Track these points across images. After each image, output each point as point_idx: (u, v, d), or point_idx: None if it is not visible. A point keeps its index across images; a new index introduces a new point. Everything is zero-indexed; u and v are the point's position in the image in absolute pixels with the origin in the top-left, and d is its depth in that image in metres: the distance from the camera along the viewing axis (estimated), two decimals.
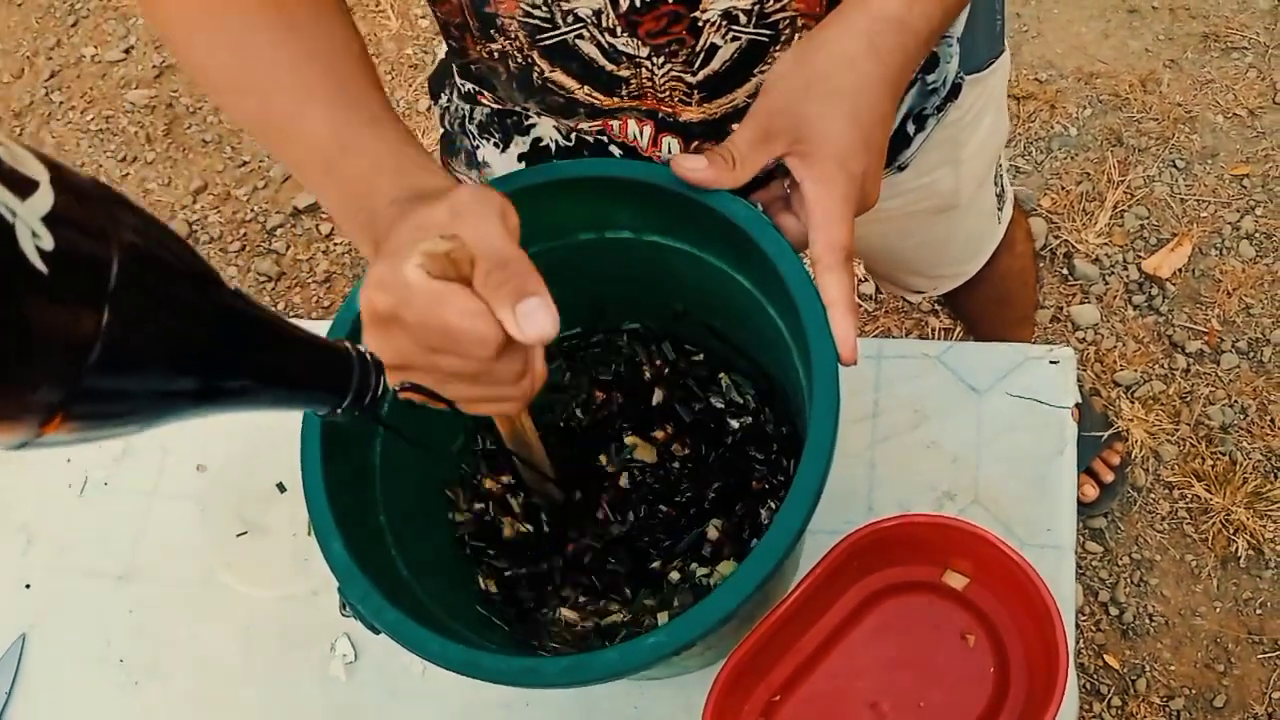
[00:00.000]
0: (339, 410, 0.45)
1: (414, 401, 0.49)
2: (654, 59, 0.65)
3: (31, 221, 0.28)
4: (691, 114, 0.69)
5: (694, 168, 0.56)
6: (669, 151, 0.72)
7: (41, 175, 0.29)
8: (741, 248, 0.58)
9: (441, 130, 0.88)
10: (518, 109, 0.77)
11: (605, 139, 0.75)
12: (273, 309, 0.42)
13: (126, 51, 2.24)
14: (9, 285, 0.27)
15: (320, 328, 0.60)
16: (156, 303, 0.32)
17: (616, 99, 0.69)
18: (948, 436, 0.79)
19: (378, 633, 0.53)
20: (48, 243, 0.28)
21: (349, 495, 0.58)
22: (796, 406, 0.65)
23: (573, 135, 0.76)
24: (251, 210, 2.01)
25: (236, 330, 0.36)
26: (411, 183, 0.53)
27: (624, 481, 0.71)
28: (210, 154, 2.09)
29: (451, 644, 0.51)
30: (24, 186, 0.28)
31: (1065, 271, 1.73)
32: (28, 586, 0.89)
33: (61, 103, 2.20)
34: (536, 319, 0.45)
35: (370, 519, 0.61)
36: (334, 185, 0.55)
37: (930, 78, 0.77)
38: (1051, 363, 0.80)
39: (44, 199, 0.29)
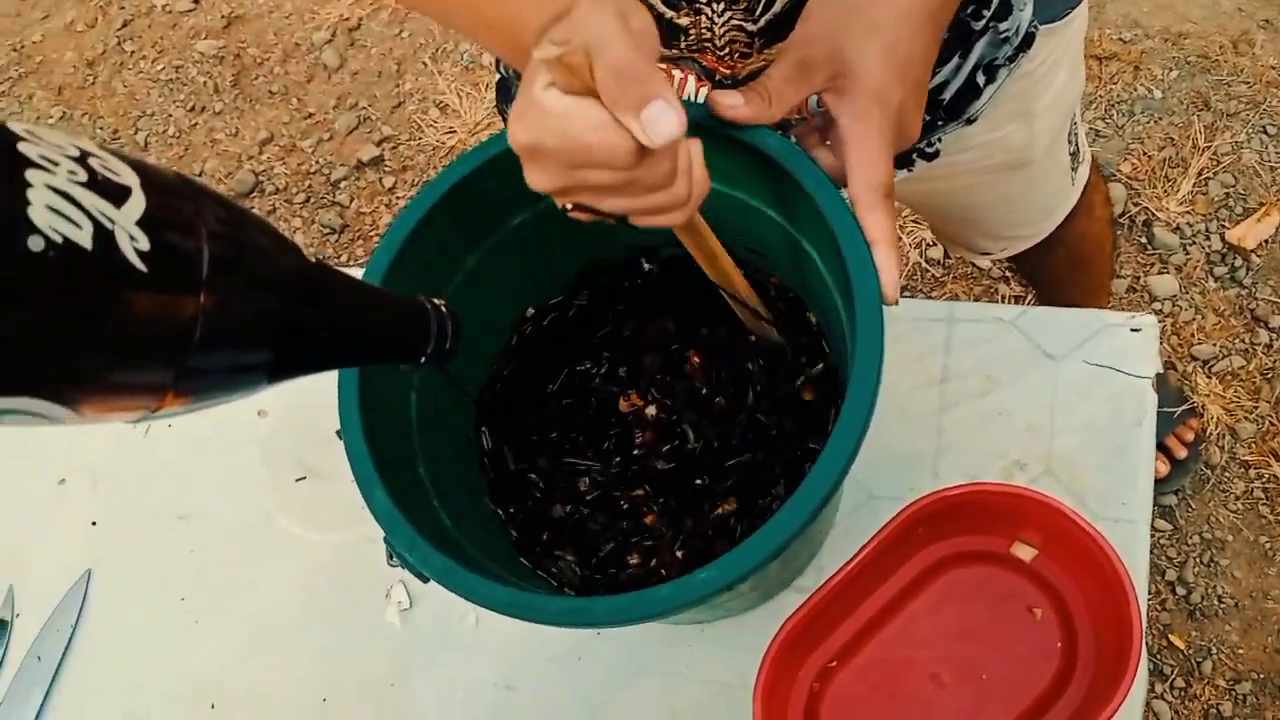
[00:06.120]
0: (421, 362, 0.46)
1: (581, 220, 0.50)
2: (714, 5, 0.63)
3: (129, 227, 0.31)
4: (753, 65, 0.67)
5: (732, 104, 0.54)
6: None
7: (133, 181, 0.32)
8: (777, 183, 0.56)
9: (498, 76, 0.87)
10: None
11: None
12: (353, 276, 0.43)
13: (196, 2, 2.25)
14: (116, 286, 0.31)
15: None
16: (246, 283, 0.35)
17: (676, 50, 0.66)
18: (1020, 404, 0.76)
19: (426, 580, 0.53)
20: (144, 244, 0.31)
21: (389, 447, 0.58)
22: (837, 346, 0.63)
23: None
24: (316, 162, 2.02)
25: (321, 299, 0.39)
26: (553, 8, 0.52)
27: (653, 412, 0.70)
28: (277, 105, 2.10)
29: (499, 586, 0.51)
30: (119, 194, 0.32)
31: (1144, 240, 1.67)
32: (94, 524, 0.90)
33: (133, 52, 2.22)
34: (662, 123, 0.43)
35: (410, 470, 0.61)
36: (491, 35, 0.57)
37: (1003, 26, 0.74)
38: (1133, 330, 0.76)
39: (137, 204, 0.32)
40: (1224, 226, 1.66)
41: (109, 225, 0.30)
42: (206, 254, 0.33)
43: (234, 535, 0.87)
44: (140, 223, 0.31)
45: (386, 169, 1.99)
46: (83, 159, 0.31)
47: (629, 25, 0.46)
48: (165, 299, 0.32)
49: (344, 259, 1.92)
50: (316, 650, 0.82)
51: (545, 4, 0.52)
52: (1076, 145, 1.01)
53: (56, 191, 0.30)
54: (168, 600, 0.86)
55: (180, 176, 0.35)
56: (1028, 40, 0.76)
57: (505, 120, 0.88)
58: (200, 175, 2.06)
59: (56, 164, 0.30)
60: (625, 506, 0.69)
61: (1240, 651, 1.41)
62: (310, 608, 0.84)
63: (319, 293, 0.39)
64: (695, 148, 0.50)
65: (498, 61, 0.85)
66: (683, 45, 0.66)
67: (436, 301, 0.47)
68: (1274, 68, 1.75)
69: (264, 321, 0.36)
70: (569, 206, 0.50)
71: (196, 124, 2.11)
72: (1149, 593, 1.45)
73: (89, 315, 0.30)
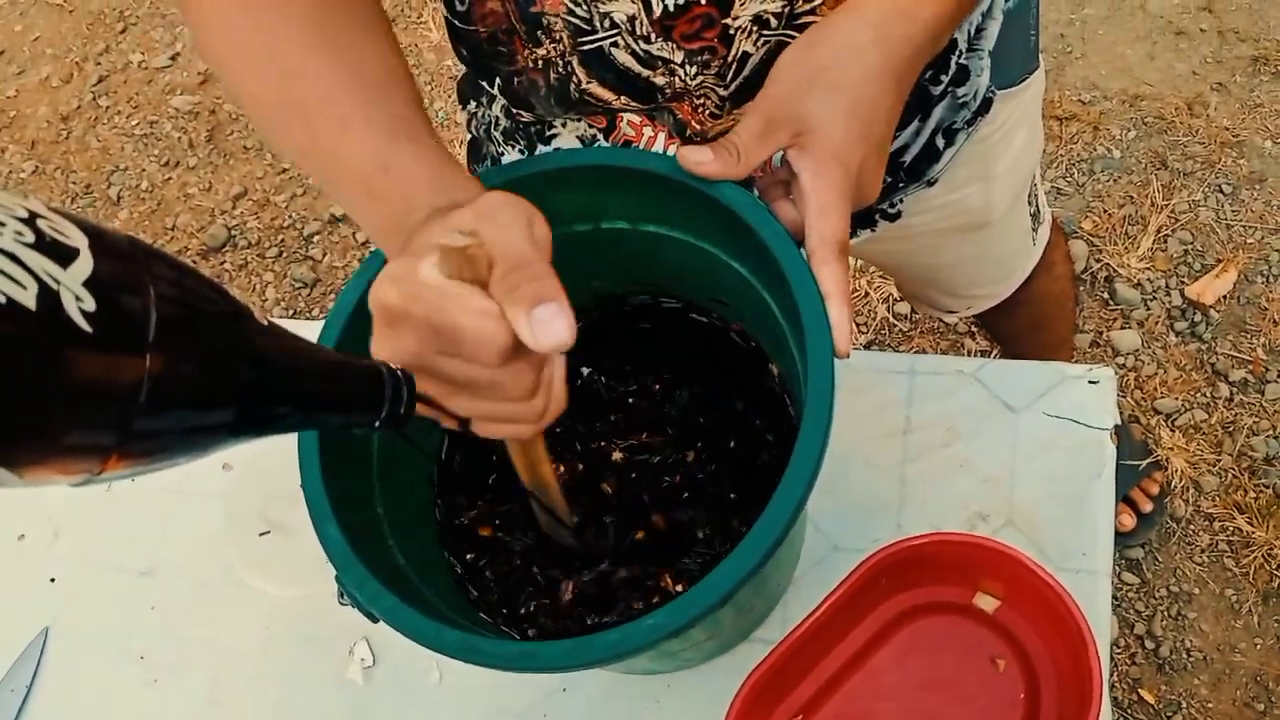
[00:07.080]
0: (376, 426, 0.46)
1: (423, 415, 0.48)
2: (687, 66, 0.65)
3: (74, 288, 0.31)
4: (722, 125, 0.68)
5: (701, 160, 0.56)
6: None
7: (81, 242, 0.33)
8: (739, 235, 0.58)
9: (469, 136, 0.88)
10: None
11: None
12: (305, 338, 0.43)
13: (173, 58, 2.27)
14: (59, 346, 0.30)
15: None
16: (194, 347, 0.35)
17: (653, 103, 0.68)
18: (981, 456, 0.77)
19: (375, 620, 0.52)
20: (90, 304, 0.31)
21: (346, 483, 0.58)
22: (796, 397, 0.65)
23: (595, 144, 0.76)
24: (290, 216, 2.03)
25: (272, 364, 0.39)
26: (451, 196, 0.52)
27: (617, 456, 0.70)
28: (251, 160, 2.11)
29: (448, 629, 0.50)
30: (66, 255, 0.32)
31: (1106, 296, 1.70)
32: (52, 580, 0.89)
33: (108, 107, 2.24)
34: (553, 326, 0.43)
35: (368, 508, 0.60)
36: (375, 207, 0.55)
37: (960, 91, 0.76)
38: (1091, 382, 0.78)
39: (84, 265, 0.32)
40: (1183, 282, 1.69)
41: (54, 285, 0.30)
42: (154, 316, 0.33)
43: (196, 591, 0.86)
44: (87, 284, 0.31)
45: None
46: (31, 220, 0.31)
47: (534, 230, 0.47)
48: (110, 360, 0.32)
49: (316, 313, 1.92)
50: (278, 708, 0.81)
51: (445, 189, 0.52)
52: (1037, 206, 1.03)
53: (2, 252, 0.30)
54: (127, 658, 0.85)
55: (131, 239, 0.35)
56: (985, 105, 0.79)
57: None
58: (173, 229, 2.06)
59: (3, 225, 0.30)
60: (591, 552, 0.69)
61: (1210, 705, 1.42)
62: (272, 664, 0.82)
63: (269, 356, 0.39)
64: (558, 364, 0.49)
65: (469, 120, 0.87)
66: (659, 100, 0.68)
67: (395, 366, 0.46)
68: (1227, 129, 1.80)
69: (212, 385, 0.36)
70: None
71: (170, 179, 2.12)
72: (1118, 646, 1.45)
73: (31, 375, 0.30)
